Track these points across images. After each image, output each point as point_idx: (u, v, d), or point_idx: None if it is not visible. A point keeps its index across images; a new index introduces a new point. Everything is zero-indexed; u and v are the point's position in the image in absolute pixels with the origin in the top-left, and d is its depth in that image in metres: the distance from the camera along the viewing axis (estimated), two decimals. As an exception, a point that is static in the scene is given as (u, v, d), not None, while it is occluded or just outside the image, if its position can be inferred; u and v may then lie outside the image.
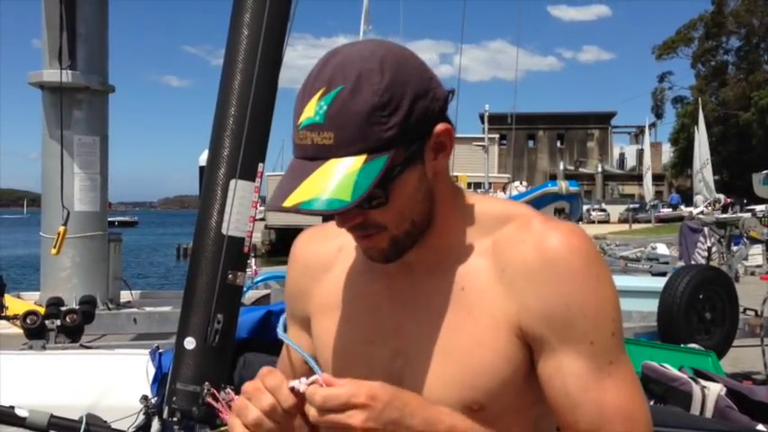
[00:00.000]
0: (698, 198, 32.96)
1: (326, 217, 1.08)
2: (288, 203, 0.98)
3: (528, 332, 1.07)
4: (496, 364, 1.07)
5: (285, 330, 1.29)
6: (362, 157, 0.99)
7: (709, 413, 3.04)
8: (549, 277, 1.05)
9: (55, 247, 5.27)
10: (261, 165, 2.43)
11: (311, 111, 1.00)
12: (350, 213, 1.03)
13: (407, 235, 1.09)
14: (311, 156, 1.00)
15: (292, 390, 1.00)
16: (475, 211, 1.15)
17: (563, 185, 24.30)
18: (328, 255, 1.25)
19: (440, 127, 1.05)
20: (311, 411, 0.98)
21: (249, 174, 2.38)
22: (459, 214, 1.14)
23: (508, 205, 1.18)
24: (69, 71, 5.81)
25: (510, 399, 1.09)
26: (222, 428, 2.00)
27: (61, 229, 5.31)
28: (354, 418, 0.95)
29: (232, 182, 2.35)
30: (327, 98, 0.99)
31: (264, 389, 1.00)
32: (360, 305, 1.18)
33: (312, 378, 0.99)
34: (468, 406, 1.07)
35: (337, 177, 0.98)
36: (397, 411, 0.98)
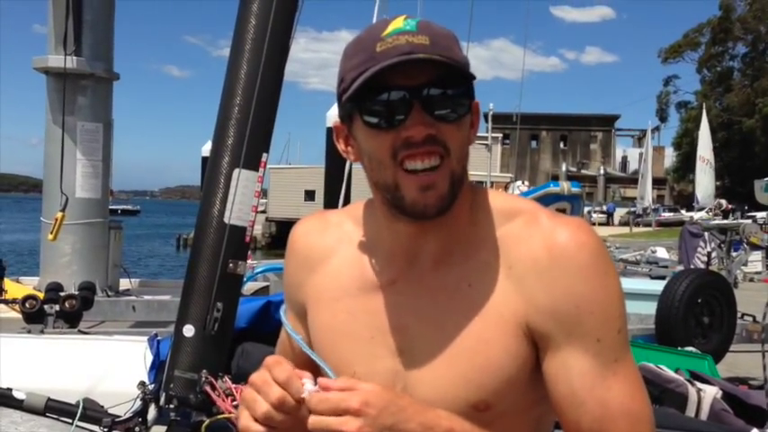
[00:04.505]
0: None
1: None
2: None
3: (535, 329, 1.05)
4: (503, 362, 1.05)
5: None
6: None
7: (704, 415, 3.05)
8: (558, 274, 1.04)
9: (52, 233, 5.28)
10: (265, 155, 2.43)
11: (399, 24, 1.03)
12: (425, 119, 1.02)
13: (459, 180, 1.07)
14: (409, 51, 1.00)
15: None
16: (482, 203, 1.13)
17: (565, 186, 24.17)
18: (326, 246, 1.22)
19: (477, 102, 1.10)
20: (310, 418, 0.95)
21: (253, 163, 2.38)
22: (469, 204, 1.13)
23: (514, 200, 1.17)
24: (74, 57, 5.81)
25: (515, 398, 1.07)
26: (219, 416, 2.00)
27: (59, 215, 5.32)
28: (348, 425, 0.93)
29: (235, 171, 2.35)
30: (412, 19, 1.04)
31: (273, 381, 0.98)
32: (361, 299, 1.15)
33: (316, 388, 0.97)
34: (474, 405, 1.05)
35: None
36: (393, 417, 0.95)
